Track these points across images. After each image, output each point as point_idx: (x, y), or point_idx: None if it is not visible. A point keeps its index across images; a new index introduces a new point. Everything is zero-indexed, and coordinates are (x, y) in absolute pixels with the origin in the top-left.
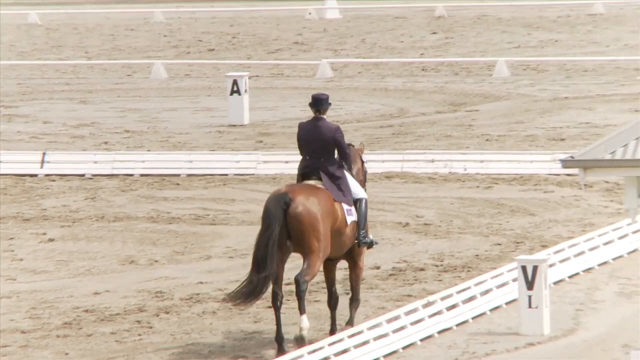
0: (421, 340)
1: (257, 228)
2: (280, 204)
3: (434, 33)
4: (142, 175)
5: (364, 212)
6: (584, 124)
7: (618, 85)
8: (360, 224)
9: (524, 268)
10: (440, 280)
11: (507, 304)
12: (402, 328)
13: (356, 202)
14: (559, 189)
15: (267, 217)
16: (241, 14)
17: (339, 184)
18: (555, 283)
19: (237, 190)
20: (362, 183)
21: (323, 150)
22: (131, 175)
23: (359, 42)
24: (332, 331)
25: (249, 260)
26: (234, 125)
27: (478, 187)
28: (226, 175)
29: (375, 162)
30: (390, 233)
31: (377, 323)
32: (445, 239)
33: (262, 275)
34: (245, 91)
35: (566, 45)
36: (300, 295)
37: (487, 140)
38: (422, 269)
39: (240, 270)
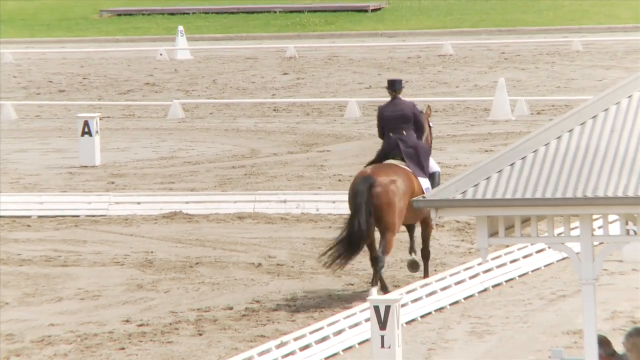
0: None
1: (108, 269)
2: (366, 185)
3: (285, 74)
4: None
5: (438, 185)
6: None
7: (468, 125)
8: None
9: (376, 308)
10: (293, 321)
11: (359, 344)
12: None
13: (431, 175)
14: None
15: (354, 199)
16: (92, 54)
17: (419, 158)
18: (407, 323)
19: (88, 232)
20: (430, 146)
21: (404, 125)
22: None
23: (210, 83)
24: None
25: (100, 301)
26: (86, 167)
27: (330, 227)
28: (78, 216)
29: (227, 202)
30: (242, 274)
31: None
32: (298, 279)
33: (360, 243)
34: (97, 132)
35: (417, 86)
36: (377, 270)
37: (339, 180)
38: (275, 310)
39: (92, 311)
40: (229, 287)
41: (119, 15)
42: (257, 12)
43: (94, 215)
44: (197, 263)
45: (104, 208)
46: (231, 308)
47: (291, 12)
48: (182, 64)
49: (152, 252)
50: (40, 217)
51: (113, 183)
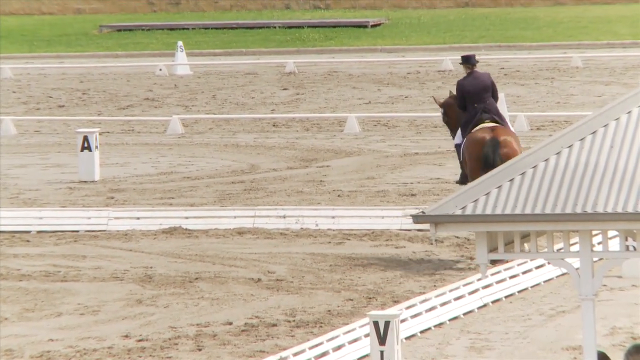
0: None
1: (108, 284)
2: (494, 146)
3: (284, 89)
4: None
5: None
6: (435, 179)
7: None
8: None
9: (376, 323)
10: (292, 336)
11: (359, 359)
12: None
13: None
14: (410, 244)
15: (485, 161)
16: (91, 70)
17: (505, 120)
18: (407, 338)
19: (88, 247)
20: None
21: (486, 93)
22: None
23: (209, 98)
24: None
25: (100, 316)
26: (85, 182)
27: (330, 242)
28: (77, 231)
29: (226, 217)
30: (242, 289)
31: None
32: (298, 295)
33: None
34: (96, 147)
35: (416, 101)
36: None
37: (338, 196)
38: (274, 325)
39: (92, 326)
40: (228, 302)
41: (119, 30)
42: (256, 27)
43: (93, 231)
44: (196, 278)
45: (104, 223)
46: (230, 323)
47: (291, 27)
48: (182, 79)
49: (151, 267)
50: (39, 232)
51: (112, 198)
